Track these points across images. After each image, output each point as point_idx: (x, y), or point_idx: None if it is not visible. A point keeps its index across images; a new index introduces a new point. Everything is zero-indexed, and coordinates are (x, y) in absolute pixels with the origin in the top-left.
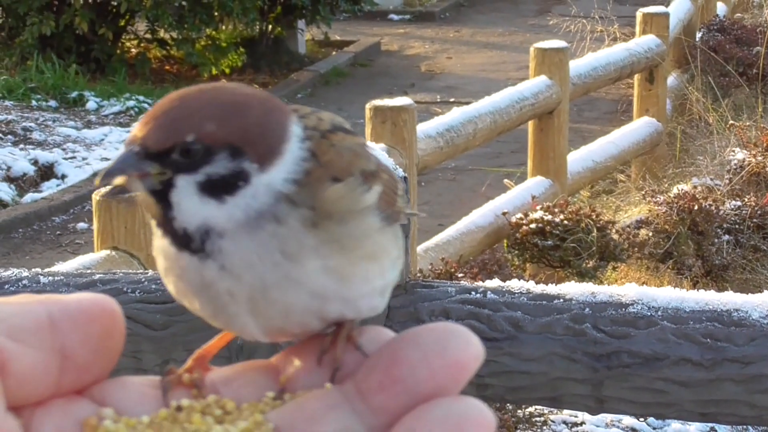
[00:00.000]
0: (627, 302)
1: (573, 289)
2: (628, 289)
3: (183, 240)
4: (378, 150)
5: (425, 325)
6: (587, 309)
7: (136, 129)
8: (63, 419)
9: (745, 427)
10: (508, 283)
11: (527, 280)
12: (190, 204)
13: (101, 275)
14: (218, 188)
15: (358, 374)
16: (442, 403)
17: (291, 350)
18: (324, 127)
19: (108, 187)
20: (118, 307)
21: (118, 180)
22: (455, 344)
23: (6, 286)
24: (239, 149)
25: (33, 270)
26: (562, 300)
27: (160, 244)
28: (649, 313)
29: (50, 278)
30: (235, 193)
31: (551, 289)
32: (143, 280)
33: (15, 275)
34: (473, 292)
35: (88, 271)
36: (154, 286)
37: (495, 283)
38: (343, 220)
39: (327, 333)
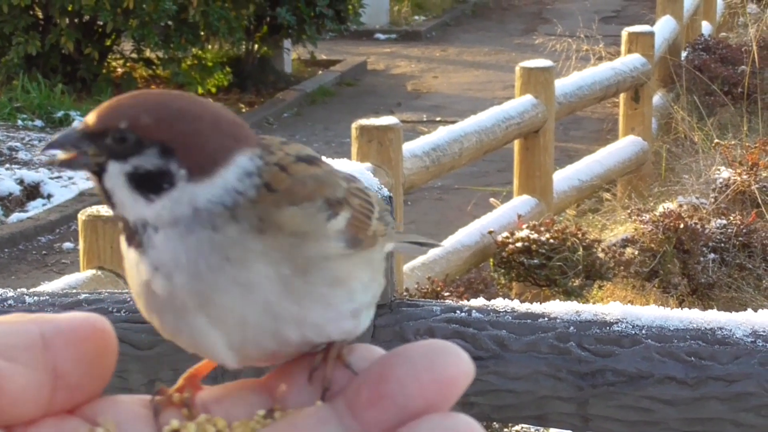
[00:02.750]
0: (611, 321)
1: (558, 307)
2: (613, 307)
3: (129, 232)
4: (361, 171)
5: (415, 342)
6: (572, 328)
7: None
8: None
9: None
10: (493, 301)
11: (513, 299)
12: (123, 195)
13: (87, 295)
14: (145, 184)
15: (348, 391)
16: (432, 419)
17: (281, 369)
18: (287, 161)
19: (47, 159)
20: (110, 327)
21: (61, 154)
22: (445, 360)
23: None
24: (170, 150)
25: (18, 290)
26: (546, 319)
27: (124, 249)
28: (633, 332)
29: (36, 298)
30: (161, 193)
31: (536, 307)
32: (129, 299)
33: (1, 295)
34: (458, 311)
35: (74, 290)
36: None
37: (480, 302)
38: (295, 235)
39: (317, 351)
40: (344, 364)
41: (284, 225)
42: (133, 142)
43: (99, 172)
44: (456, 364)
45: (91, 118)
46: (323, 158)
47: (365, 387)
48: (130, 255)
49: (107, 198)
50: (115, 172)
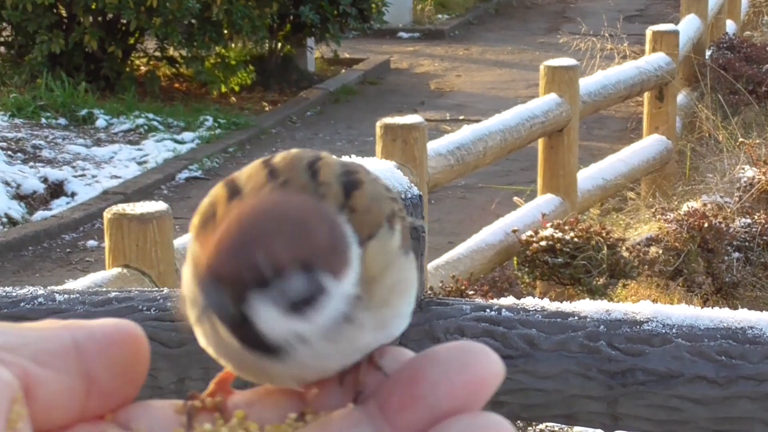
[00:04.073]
0: (642, 320)
1: (588, 306)
2: (643, 306)
3: (255, 344)
4: (391, 170)
5: (445, 343)
6: (602, 326)
7: (208, 258)
8: None
9: None
10: (522, 300)
11: (540, 298)
12: (270, 319)
13: (116, 293)
14: (300, 306)
15: (379, 393)
16: (462, 419)
17: None
18: (341, 199)
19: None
20: (142, 333)
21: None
22: (475, 361)
23: (22, 304)
24: (314, 268)
25: (48, 288)
26: (576, 318)
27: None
28: (663, 331)
29: (66, 296)
30: (315, 305)
31: (566, 306)
32: (158, 297)
33: (30, 293)
34: (488, 310)
35: (104, 289)
36: (169, 304)
37: (510, 300)
38: (383, 278)
39: None
40: (376, 366)
41: (376, 275)
42: (278, 272)
43: (241, 310)
44: (487, 365)
45: (225, 266)
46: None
47: (397, 389)
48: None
49: (236, 325)
50: (263, 305)
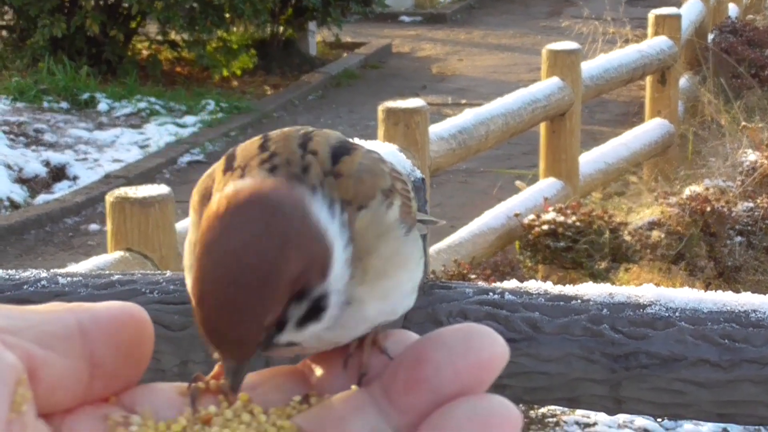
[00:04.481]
0: (645, 303)
1: (590, 290)
2: (646, 290)
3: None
4: (393, 153)
5: (450, 326)
6: (605, 310)
7: (216, 348)
8: (92, 426)
9: (757, 428)
10: (525, 283)
11: (543, 282)
12: (295, 337)
13: (120, 276)
14: (310, 315)
15: (383, 376)
16: (467, 401)
17: (317, 355)
18: (327, 165)
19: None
20: (146, 316)
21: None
22: (480, 344)
23: (25, 287)
24: (303, 290)
25: (51, 270)
26: (579, 301)
27: None
28: (667, 314)
29: (69, 279)
30: (327, 307)
31: (569, 290)
32: (161, 281)
33: (34, 276)
34: (491, 293)
35: (107, 272)
36: (172, 287)
37: (513, 284)
38: (378, 249)
39: None
40: (380, 349)
41: (370, 247)
42: (276, 326)
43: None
44: (491, 347)
45: (230, 352)
46: (354, 140)
47: (401, 372)
48: None
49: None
50: (281, 338)
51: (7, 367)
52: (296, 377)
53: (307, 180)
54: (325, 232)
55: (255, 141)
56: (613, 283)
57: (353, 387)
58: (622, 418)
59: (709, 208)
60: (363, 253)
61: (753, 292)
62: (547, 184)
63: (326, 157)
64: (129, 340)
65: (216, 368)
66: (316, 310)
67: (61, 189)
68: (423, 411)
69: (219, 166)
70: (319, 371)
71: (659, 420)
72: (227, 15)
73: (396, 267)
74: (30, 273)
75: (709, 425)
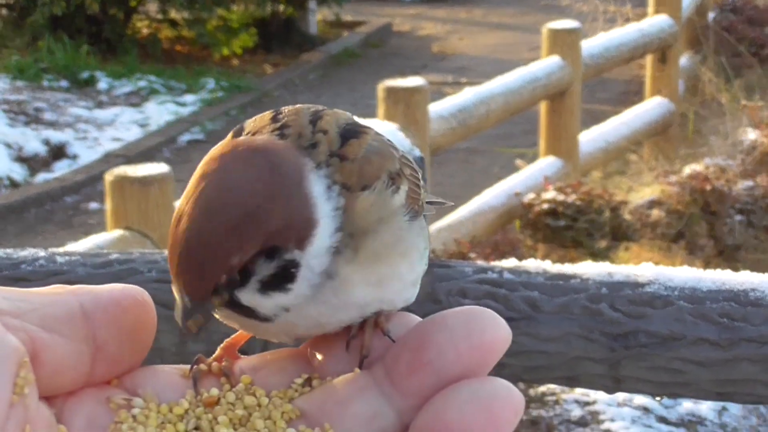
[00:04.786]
0: (644, 282)
1: (590, 269)
2: (645, 269)
3: (249, 313)
4: (393, 132)
5: (452, 309)
6: (604, 289)
7: (176, 277)
8: (95, 408)
9: (756, 406)
10: (525, 262)
11: (543, 261)
12: (259, 301)
13: (118, 255)
14: (277, 282)
15: (386, 358)
16: (469, 384)
17: (319, 338)
18: (335, 145)
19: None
20: (149, 298)
21: (192, 327)
22: (482, 327)
23: (23, 266)
24: (276, 248)
25: (49, 249)
26: (579, 280)
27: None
28: (666, 293)
29: (67, 258)
30: (294, 279)
31: (568, 268)
32: (159, 259)
33: (32, 254)
34: (490, 272)
35: (105, 251)
36: None
37: (512, 262)
38: (377, 232)
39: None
40: (382, 331)
41: (367, 226)
42: (245, 272)
43: (229, 303)
44: (493, 330)
45: (189, 288)
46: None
47: (404, 354)
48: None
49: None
50: (246, 296)
51: (9, 350)
52: (298, 360)
53: (313, 155)
54: (315, 207)
55: (266, 114)
56: (613, 262)
57: (356, 370)
58: (621, 396)
59: (709, 187)
60: (360, 233)
61: (753, 270)
62: (547, 163)
63: (335, 137)
64: (131, 323)
65: (218, 351)
66: (283, 279)
67: (61, 168)
68: (425, 393)
69: (228, 137)
70: (321, 354)
71: (658, 399)
72: None
73: (396, 254)
74: (28, 252)
75: (708, 403)
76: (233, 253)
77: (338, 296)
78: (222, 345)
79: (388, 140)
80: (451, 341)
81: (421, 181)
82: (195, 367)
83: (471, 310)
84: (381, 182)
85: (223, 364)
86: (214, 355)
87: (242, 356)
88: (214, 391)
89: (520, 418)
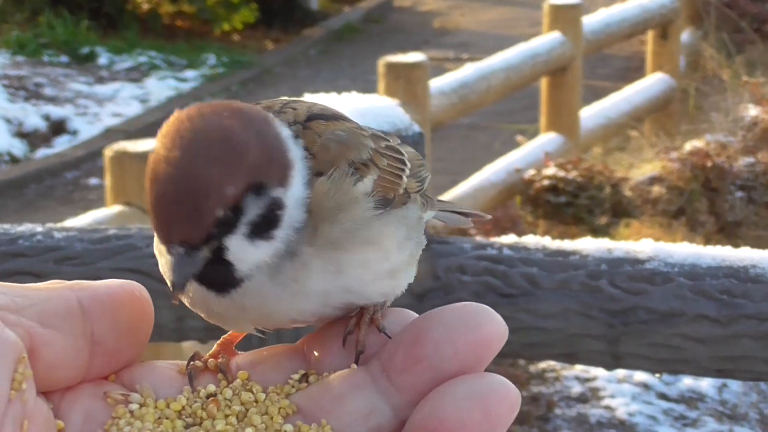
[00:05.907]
0: (643, 258)
1: (589, 245)
2: (645, 245)
3: (212, 285)
4: (392, 107)
5: (449, 305)
6: (603, 265)
7: (167, 226)
8: (92, 404)
9: (756, 383)
10: (524, 239)
11: (543, 237)
12: (244, 252)
13: (115, 231)
14: (263, 227)
15: (382, 354)
16: (466, 380)
17: (315, 334)
18: (301, 118)
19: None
20: (147, 294)
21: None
22: (479, 322)
23: (20, 241)
24: (262, 185)
25: (47, 225)
26: (578, 256)
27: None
28: (665, 270)
29: (64, 233)
30: (279, 222)
31: (567, 245)
32: None
33: (29, 230)
34: (489, 248)
35: (102, 226)
36: None
37: (511, 239)
38: (335, 219)
39: (351, 315)
40: (378, 327)
41: (325, 212)
42: (234, 212)
43: (217, 254)
44: (490, 326)
45: (180, 234)
46: (346, 114)
47: (400, 350)
48: (207, 298)
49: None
50: (233, 243)
51: (7, 345)
52: (295, 356)
53: (280, 116)
54: (288, 149)
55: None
56: (613, 239)
57: (352, 366)
58: (621, 373)
59: (710, 163)
60: (318, 216)
61: (753, 247)
62: (548, 139)
63: (303, 114)
64: (129, 318)
65: (215, 347)
66: (269, 224)
67: (61, 143)
68: (422, 389)
69: None
70: (317, 350)
71: (658, 375)
72: None
73: (359, 242)
74: (25, 227)
75: (709, 380)
76: (226, 183)
77: (298, 279)
78: (219, 341)
79: (373, 131)
80: (447, 337)
81: (407, 170)
82: (191, 363)
83: (468, 306)
84: (339, 171)
85: (220, 360)
86: (210, 352)
87: (239, 352)
88: (211, 387)
89: (516, 413)
